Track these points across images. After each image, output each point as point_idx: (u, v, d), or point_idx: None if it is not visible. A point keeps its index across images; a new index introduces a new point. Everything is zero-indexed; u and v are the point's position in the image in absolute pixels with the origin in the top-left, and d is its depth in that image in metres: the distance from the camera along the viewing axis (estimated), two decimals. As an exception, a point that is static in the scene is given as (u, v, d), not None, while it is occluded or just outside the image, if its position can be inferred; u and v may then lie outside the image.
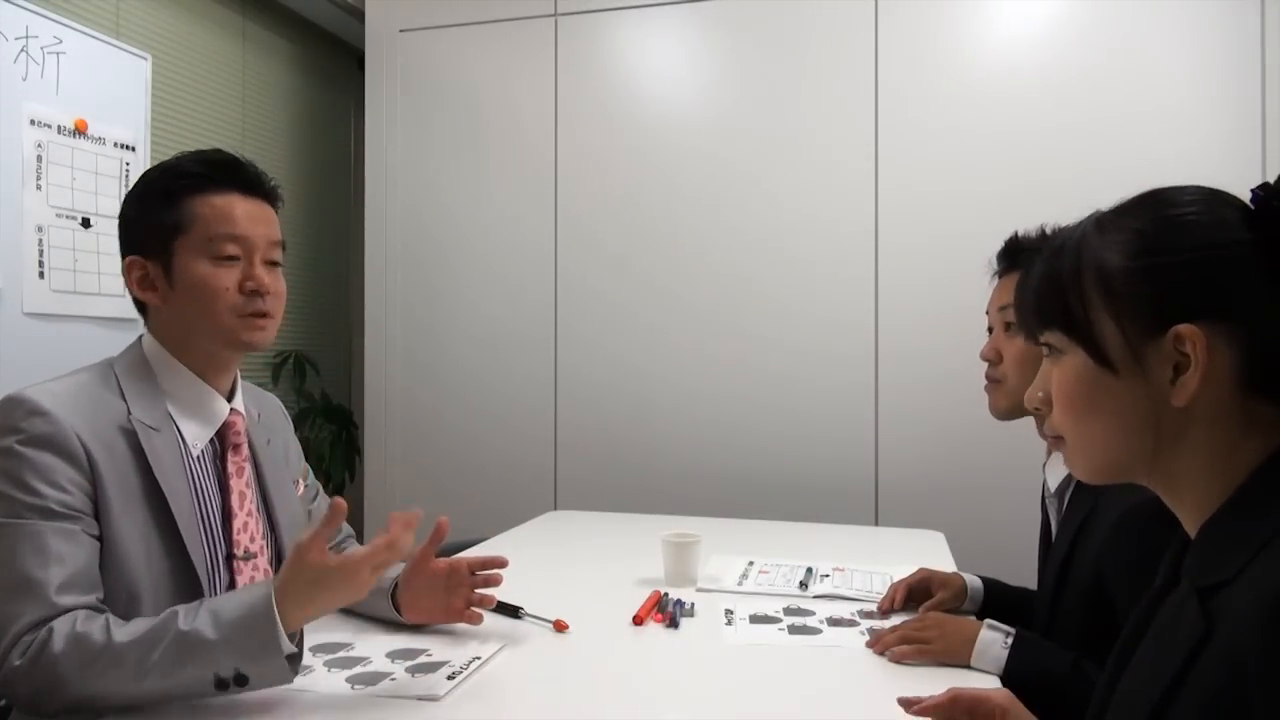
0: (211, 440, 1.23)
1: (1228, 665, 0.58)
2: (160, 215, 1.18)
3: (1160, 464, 0.70)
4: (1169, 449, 0.69)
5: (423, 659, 1.19)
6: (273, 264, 1.24)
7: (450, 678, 1.12)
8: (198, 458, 1.20)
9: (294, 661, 1.00)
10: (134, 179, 2.42)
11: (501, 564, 1.33)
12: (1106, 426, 0.71)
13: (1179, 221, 0.69)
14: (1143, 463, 0.71)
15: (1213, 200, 0.70)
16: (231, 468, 1.24)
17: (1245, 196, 0.69)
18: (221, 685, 0.97)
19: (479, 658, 1.20)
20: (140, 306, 1.23)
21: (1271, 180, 0.68)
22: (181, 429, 1.19)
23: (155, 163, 2.24)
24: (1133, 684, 0.72)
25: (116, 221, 1.25)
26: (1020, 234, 1.42)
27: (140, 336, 1.24)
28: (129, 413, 1.14)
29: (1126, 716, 0.70)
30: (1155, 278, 0.68)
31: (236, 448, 1.25)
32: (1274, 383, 0.67)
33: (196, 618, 0.99)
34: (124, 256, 1.21)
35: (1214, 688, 0.59)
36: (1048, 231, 1.39)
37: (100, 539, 1.07)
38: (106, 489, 1.08)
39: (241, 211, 1.20)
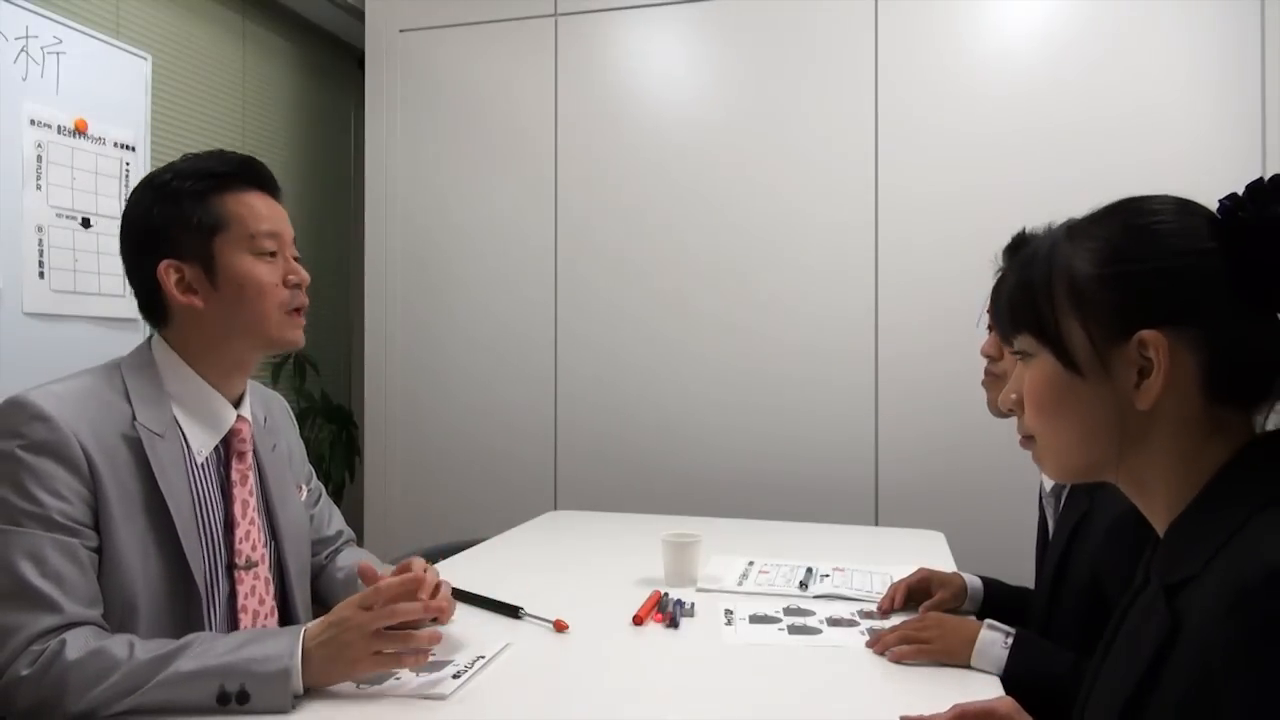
0: (216, 447, 1.22)
1: (1195, 659, 0.60)
2: (194, 216, 1.17)
3: (1126, 465, 0.72)
4: (1134, 451, 0.71)
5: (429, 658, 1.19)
6: (295, 258, 1.26)
7: (455, 677, 1.12)
8: (202, 465, 1.19)
9: (298, 698, 1.01)
10: (134, 179, 2.42)
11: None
12: (1073, 428, 0.74)
13: (1146, 230, 0.71)
14: (1109, 463, 0.73)
15: (1181, 210, 0.72)
16: (235, 475, 1.23)
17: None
18: (224, 700, 0.98)
19: (483, 657, 1.20)
20: (152, 313, 1.21)
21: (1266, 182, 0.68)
22: (187, 435, 1.18)
23: (155, 163, 2.22)
24: (1105, 682, 0.74)
25: (131, 230, 1.20)
26: (1028, 230, 1.42)
27: (150, 338, 1.22)
28: (134, 418, 1.13)
29: (1101, 714, 0.72)
30: (1122, 285, 0.70)
31: (241, 455, 1.24)
32: (1237, 388, 0.69)
33: (213, 646, 1.01)
34: (153, 263, 1.17)
35: (1183, 681, 0.61)
36: (1053, 228, 1.39)
37: (99, 549, 1.07)
38: (108, 496, 1.07)
39: (267, 209, 1.22)
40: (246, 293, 1.18)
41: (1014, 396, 0.79)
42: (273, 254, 1.20)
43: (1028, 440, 0.80)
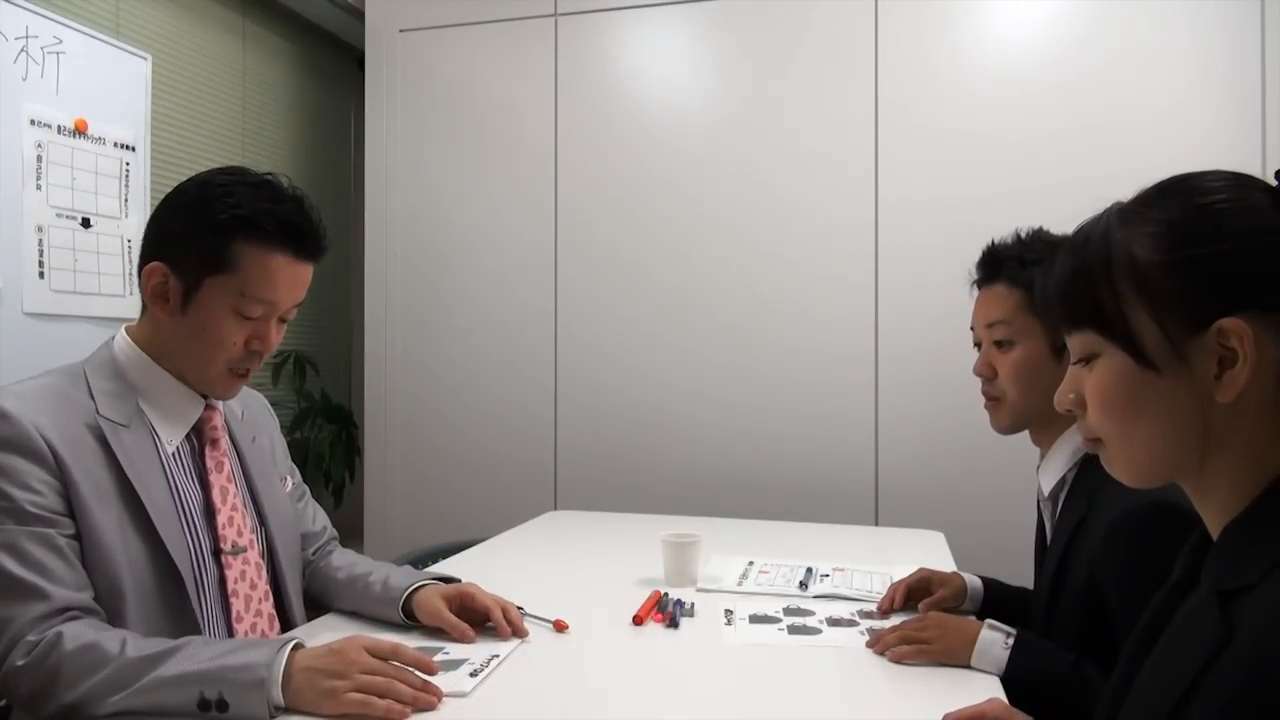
0: (188, 437, 1.23)
1: (1251, 669, 0.57)
2: (206, 245, 1.15)
3: (1204, 462, 0.68)
4: (1217, 447, 0.67)
5: (440, 657, 1.19)
6: (284, 320, 1.24)
7: (473, 675, 1.13)
8: (174, 454, 1.20)
9: (277, 710, 1.00)
10: (134, 179, 2.42)
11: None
12: (1153, 427, 0.69)
13: (1208, 210, 0.67)
14: (1189, 463, 0.68)
15: (1238, 186, 0.67)
16: (210, 463, 1.24)
17: None
18: (204, 706, 0.97)
19: (497, 655, 1.20)
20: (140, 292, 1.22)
21: None
22: (155, 426, 1.19)
23: (155, 164, 2.20)
24: (1150, 684, 0.71)
25: (151, 214, 1.21)
26: (997, 242, 1.40)
27: (111, 337, 1.23)
28: (96, 410, 1.14)
29: (1144, 717, 0.69)
30: (1192, 271, 0.66)
31: (215, 443, 1.25)
32: None
33: (200, 652, 1.00)
34: (149, 257, 1.18)
35: (1236, 692, 0.58)
36: (1023, 236, 1.38)
37: (79, 536, 1.07)
38: (77, 485, 1.08)
39: (284, 276, 1.18)
40: (203, 338, 1.18)
41: (1072, 396, 0.74)
42: (254, 318, 1.18)
43: (1094, 443, 0.74)
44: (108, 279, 2.27)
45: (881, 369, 2.64)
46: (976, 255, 1.44)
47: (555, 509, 2.76)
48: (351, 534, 2.68)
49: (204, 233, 1.15)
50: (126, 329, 1.24)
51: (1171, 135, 2.43)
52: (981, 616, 1.26)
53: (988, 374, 1.39)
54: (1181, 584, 0.74)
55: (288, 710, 0.99)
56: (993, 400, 1.40)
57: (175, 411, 1.22)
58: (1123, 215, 0.70)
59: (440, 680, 1.09)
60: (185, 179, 1.22)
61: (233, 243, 1.15)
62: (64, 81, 2.17)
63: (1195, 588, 0.70)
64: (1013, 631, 1.19)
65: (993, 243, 1.41)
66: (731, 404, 2.75)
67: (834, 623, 1.39)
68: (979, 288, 1.43)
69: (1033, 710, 1.00)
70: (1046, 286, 0.76)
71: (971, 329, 1.44)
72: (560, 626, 1.34)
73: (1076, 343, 0.73)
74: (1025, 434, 1.41)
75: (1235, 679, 0.58)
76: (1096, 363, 0.71)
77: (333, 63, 3.70)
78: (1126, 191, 0.74)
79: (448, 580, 1.37)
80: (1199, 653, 0.62)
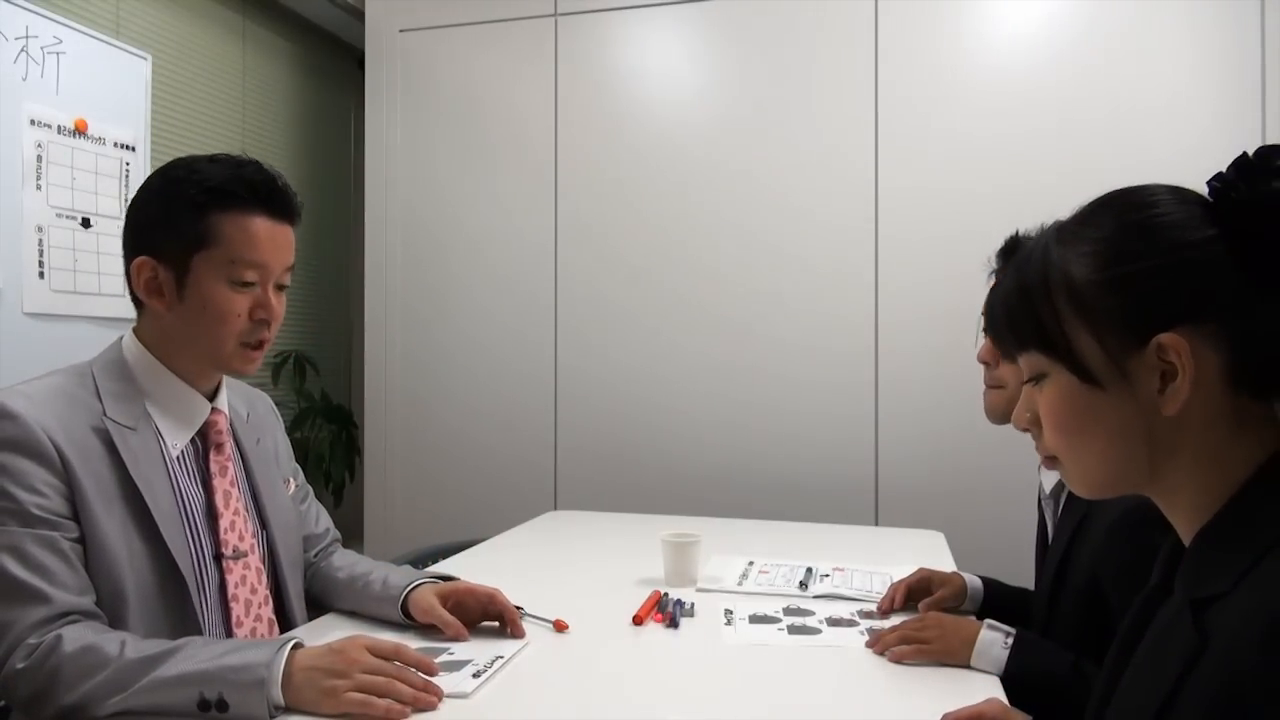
0: (193, 440, 1.23)
1: (1225, 681, 0.57)
2: (184, 225, 1.15)
3: (1158, 474, 0.68)
4: (1165, 458, 0.67)
5: (445, 657, 1.19)
6: (281, 287, 1.24)
7: (475, 676, 1.12)
8: (178, 458, 1.20)
9: (277, 709, 1.00)
10: (134, 179, 2.42)
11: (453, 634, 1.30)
12: (1101, 443, 0.69)
13: (1142, 226, 0.66)
14: (1141, 475, 0.69)
15: (1174, 199, 0.67)
16: (214, 467, 1.24)
17: None
18: (204, 707, 0.97)
19: (501, 656, 1.20)
20: (133, 297, 1.22)
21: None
22: (161, 429, 1.19)
23: (155, 163, 2.21)
24: (1129, 694, 0.71)
25: (124, 216, 1.22)
26: (1021, 233, 1.41)
27: (120, 337, 1.23)
28: (104, 412, 1.13)
29: None
30: (1128, 288, 0.66)
31: (219, 447, 1.25)
32: (1263, 379, 0.65)
33: (199, 652, 1.00)
34: (133, 254, 1.19)
35: (1211, 703, 0.58)
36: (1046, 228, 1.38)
37: (83, 539, 1.07)
38: (83, 488, 1.08)
39: (266, 237, 1.19)
40: (207, 316, 1.17)
41: (1029, 415, 0.75)
42: (250, 284, 1.18)
43: (1051, 460, 0.75)
44: (108, 279, 2.27)
45: (881, 368, 2.64)
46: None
47: (555, 509, 2.76)
48: (351, 534, 2.68)
49: (179, 214, 1.16)
50: (133, 330, 1.24)
51: (1171, 132, 2.43)
52: (981, 616, 1.26)
53: (991, 361, 1.40)
54: (1158, 592, 0.74)
55: (288, 710, 0.99)
56: (994, 389, 1.40)
57: (181, 414, 1.22)
58: (1060, 233, 0.71)
59: (443, 680, 1.09)
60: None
61: (209, 215, 1.16)
62: (64, 81, 2.17)
63: (1172, 594, 0.70)
64: (1012, 631, 1.19)
65: (1016, 233, 1.41)
66: (731, 403, 2.75)
67: (834, 623, 1.39)
68: (995, 277, 1.43)
69: (1032, 710, 1.00)
70: (993, 307, 0.76)
71: (981, 315, 1.45)
72: (560, 627, 1.34)
73: (1025, 363, 0.73)
74: (1025, 435, 1.41)
75: (1210, 689, 0.58)
76: (1045, 382, 0.72)
77: (333, 63, 3.70)
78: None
79: (447, 579, 1.37)
80: (1176, 662, 0.62)
